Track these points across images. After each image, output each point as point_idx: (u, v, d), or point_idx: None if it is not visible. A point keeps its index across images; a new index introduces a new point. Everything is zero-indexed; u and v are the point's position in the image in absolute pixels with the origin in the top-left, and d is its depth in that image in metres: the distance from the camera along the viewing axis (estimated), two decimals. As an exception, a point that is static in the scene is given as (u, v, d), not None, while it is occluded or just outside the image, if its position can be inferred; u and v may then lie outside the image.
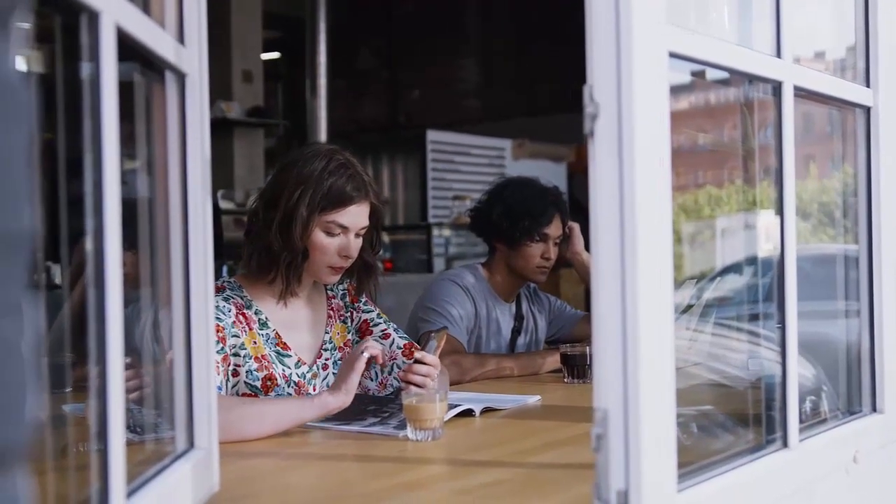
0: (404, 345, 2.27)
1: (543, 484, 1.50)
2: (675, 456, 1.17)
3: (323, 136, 7.55)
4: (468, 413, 2.04)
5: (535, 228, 2.88)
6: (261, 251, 2.10)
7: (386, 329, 2.29)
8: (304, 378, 2.15)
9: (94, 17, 0.94)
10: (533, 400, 2.28)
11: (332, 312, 2.27)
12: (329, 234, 2.09)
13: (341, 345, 2.26)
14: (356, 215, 2.10)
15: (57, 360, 1.58)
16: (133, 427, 1.37)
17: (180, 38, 1.29)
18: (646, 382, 1.11)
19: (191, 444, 1.32)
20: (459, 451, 1.77)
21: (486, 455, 1.73)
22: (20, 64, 0.56)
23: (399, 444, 1.79)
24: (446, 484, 1.55)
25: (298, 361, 2.14)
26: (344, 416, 2.00)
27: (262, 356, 2.08)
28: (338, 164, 2.08)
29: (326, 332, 2.23)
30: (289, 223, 2.05)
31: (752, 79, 1.50)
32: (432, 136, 7.85)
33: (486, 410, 2.10)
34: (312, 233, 2.07)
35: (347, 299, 2.30)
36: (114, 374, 0.97)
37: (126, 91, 1.04)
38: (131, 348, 1.09)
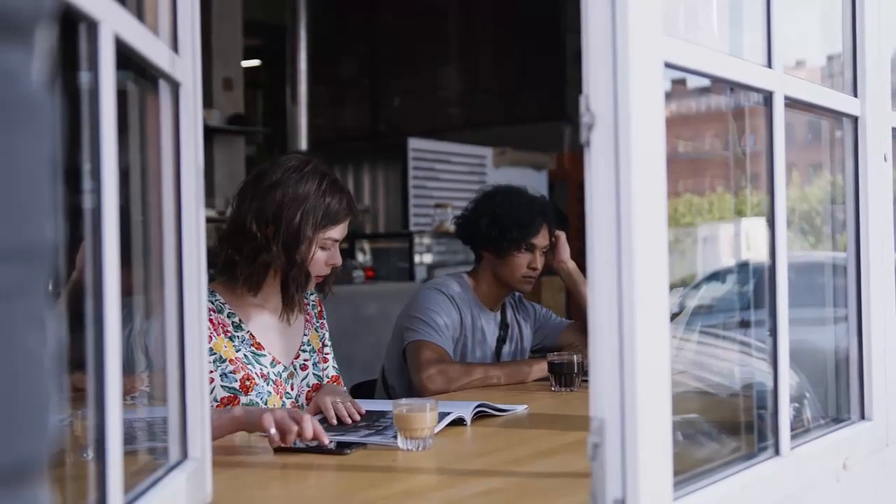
0: (332, 376, 2.38)
1: (537, 493, 1.50)
2: (671, 464, 1.17)
3: (303, 143, 7.53)
4: (458, 422, 2.03)
5: (523, 238, 2.88)
6: (261, 269, 2.15)
7: (328, 354, 2.40)
8: (281, 377, 2.21)
9: (93, 26, 0.94)
10: (520, 409, 2.28)
11: (308, 317, 2.36)
12: (324, 248, 2.19)
13: (318, 349, 2.35)
14: (345, 228, 2.23)
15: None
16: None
17: (174, 46, 1.28)
18: (643, 391, 1.11)
19: (184, 454, 1.31)
20: (451, 460, 1.77)
21: (477, 464, 1.72)
22: (43, 76, 0.56)
23: (390, 453, 1.78)
24: (440, 493, 1.55)
25: (273, 361, 2.20)
26: (338, 429, 1.99)
27: (236, 358, 2.13)
28: (329, 182, 2.19)
29: (305, 335, 2.32)
30: (295, 243, 2.14)
31: (744, 89, 1.51)
32: (413, 143, 7.84)
33: (479, 415, 2.10)
34: (316, 251, 2.17)
35: (315, 312, 2.39)
36: (111, 386, 0.96)
37: (120, 99, 1.04)
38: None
